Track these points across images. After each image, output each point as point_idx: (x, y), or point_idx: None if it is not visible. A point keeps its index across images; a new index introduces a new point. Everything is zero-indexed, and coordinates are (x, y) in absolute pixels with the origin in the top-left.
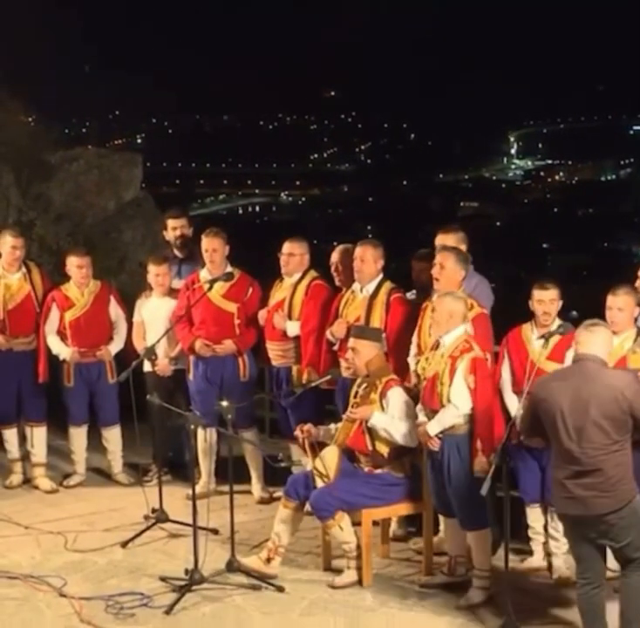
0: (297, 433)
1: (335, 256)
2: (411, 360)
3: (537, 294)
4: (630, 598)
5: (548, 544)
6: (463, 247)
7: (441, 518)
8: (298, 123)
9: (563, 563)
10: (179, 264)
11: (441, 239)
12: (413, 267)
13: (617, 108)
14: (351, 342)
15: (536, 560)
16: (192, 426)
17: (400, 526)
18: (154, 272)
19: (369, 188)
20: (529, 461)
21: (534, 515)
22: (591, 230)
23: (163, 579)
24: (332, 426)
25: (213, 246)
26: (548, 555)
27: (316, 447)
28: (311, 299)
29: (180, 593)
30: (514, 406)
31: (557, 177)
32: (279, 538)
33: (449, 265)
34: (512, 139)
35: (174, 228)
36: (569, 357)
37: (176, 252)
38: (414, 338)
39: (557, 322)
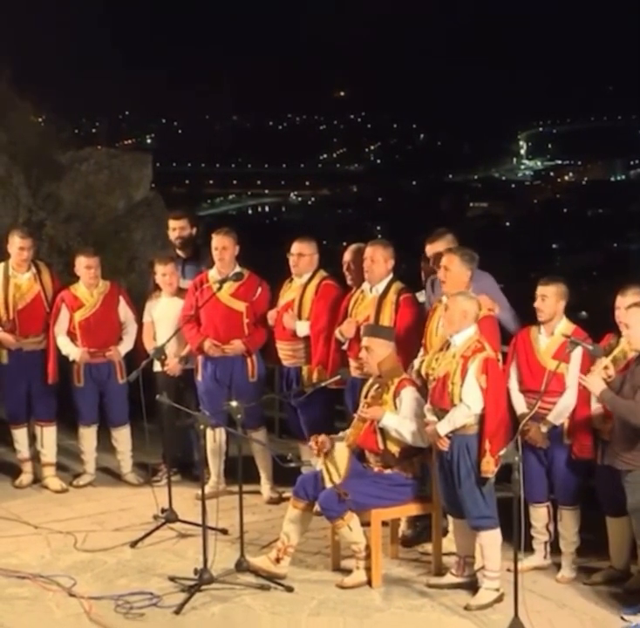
0: (311, 444)
1: (347, 255)
2: (415, 361)
3: (537, 289)
4: None
5: (549, 544)
6: None
7: (450, 519)
8: (308, 123)
9: (571, 564)
10: (182, 265)
11: (431, 248)
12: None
13: (627, 108)
14: (365, 341)
15: (537, 558)
16: (201, 426)
17: (409, 526)
18: (161, 272)
19: (378, 189)
20: (534, 461)
21: (537, 515)
22: (601, 230)
23: (172, 579)
24: (343, 433)
25: (223, 244)
26: (552, 553)
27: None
28: (321, 299)
29: (190, 593)
30: (521, 404)
31: (567, 177)
32: (288, 538)
33: (454, 267)
34: (521, 139)
35: (174, 229)
36: (576, 356)
37: (179, 252)
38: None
39: (564, 322)
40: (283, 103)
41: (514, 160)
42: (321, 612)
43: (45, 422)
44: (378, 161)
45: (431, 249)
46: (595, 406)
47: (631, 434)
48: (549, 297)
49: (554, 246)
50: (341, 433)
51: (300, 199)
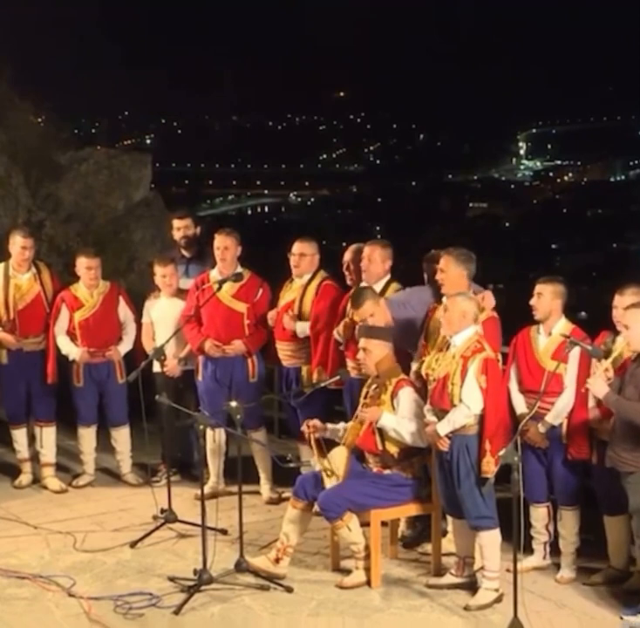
0: (304, 428)
1: (347, 255)
2: (414, 362)
3: (535, 287)
4: None
5: (548, 544)
6: None
7: (449, 519)
8: (307, 123)
9: (571, 564)
10: (186, 264)
11: (358, 314)
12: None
13: (627, 109)
14: (362, 342)
15: (536, 559)
16: (201, 427)
17: (409, 527)
18: (161, 273)
19: (378, 189)
20: (533, 461)
21: (537, 515)
22: (600, 231)
23: (172, 579)
24: (342, 424)
25: (225, 244)
26: (551, 554)
27: (323, 445)
28: (321, 299)
29: (189, 593)
30: (521, 404)
31: (566, 178)
32: (288, 538)
33: (450, 269)
34: (521, 139)
35: (178, 229)
36: (575, 356)
37: (183, 252)
38: (421, 340)
39: (563, 322)
40: (283, 103)
41: (514, 160)
42: (320, 613)
43: (45, 422)
44: (378, 161)
45: (358, 316)
46: (591, 405)
47: (634, 436)
48: (545, 295)
49: (553, 246)
50: (339, 425)
51: (299, 199)
